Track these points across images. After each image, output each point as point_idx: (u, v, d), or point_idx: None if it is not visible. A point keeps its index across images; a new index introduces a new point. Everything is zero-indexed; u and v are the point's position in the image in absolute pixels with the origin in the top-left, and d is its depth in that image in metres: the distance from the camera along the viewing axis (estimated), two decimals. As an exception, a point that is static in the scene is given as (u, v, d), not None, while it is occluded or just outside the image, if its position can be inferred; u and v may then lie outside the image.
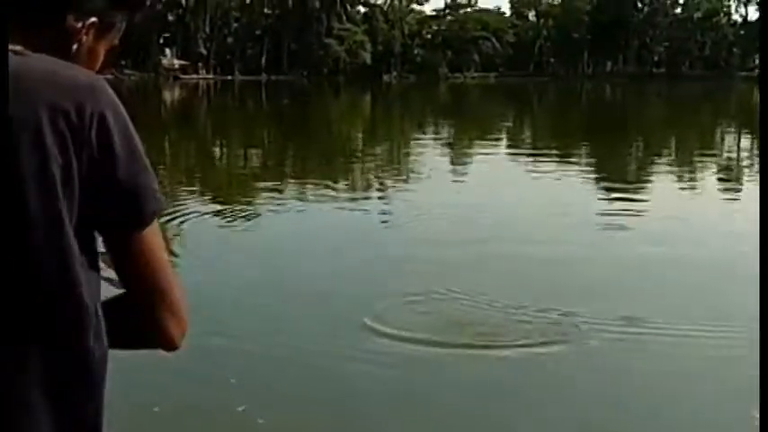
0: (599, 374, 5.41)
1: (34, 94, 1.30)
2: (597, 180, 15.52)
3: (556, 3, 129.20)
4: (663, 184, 14.68)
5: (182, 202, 12.03)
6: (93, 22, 1.50)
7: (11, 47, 1.33)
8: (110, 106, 1.36)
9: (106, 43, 1.58)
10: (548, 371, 5.40)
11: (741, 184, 15.14)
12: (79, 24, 1.48)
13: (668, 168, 17.76)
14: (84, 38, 1.50)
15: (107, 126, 1.34)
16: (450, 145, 23.53)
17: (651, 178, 16.03)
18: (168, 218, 10.91)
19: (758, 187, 10.03)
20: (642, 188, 14.60)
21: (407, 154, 21.24)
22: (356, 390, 5.05)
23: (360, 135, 29.13)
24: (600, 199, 12.67)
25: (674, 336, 5.85)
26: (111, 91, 1.38)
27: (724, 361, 5.41)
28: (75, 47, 1.49)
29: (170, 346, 1.42)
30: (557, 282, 7.33)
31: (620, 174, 16.58)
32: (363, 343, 5.71)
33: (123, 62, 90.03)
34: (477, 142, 23.55)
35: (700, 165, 18.56)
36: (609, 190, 13.80)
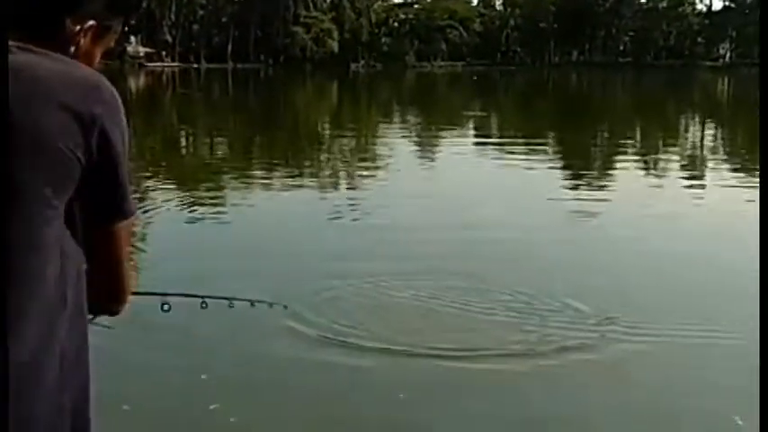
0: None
1: (52, 94, 1.44)
2: (562, 168, 15.59)
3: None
4: (627, 173, 14.76)
5: (143, 193, 11.92)
6: (90, 26, 1.57)
7: (28, 46, 1.47)
8: (113, 110, 1.53)
9: (102, 46, 1.65)
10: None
11: (704, 173, 15.26)
12: (77, 28, 1.56)
13: (632, 157, 17.84)
14: (82, 41, 1.57)
15: (109, 129, 1.51)
16: (415, 134, 23.48)
17: (616, 167, 16.09)
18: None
19: (759, 191, 10.08)
20: (607, 177, 14.66)
21: (372, 143, 21.20)
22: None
23: (325, 124, 29.00)
24: (564, 187, 12.72)
25: (656, 335, 5.66)
26: (114, 90, 1.56)
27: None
28: (72, 49, 1.56)
29: (113, 314, 1.72)
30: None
31: (585, 162, 16.65)
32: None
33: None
34: (443, 131, 23.52)
35: (663, 153, 18.69)
36: (574, 177, 13.87)
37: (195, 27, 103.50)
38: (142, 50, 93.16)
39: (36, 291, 1.47)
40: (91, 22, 1.56)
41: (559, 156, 18.21)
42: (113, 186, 1.55)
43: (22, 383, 1.45)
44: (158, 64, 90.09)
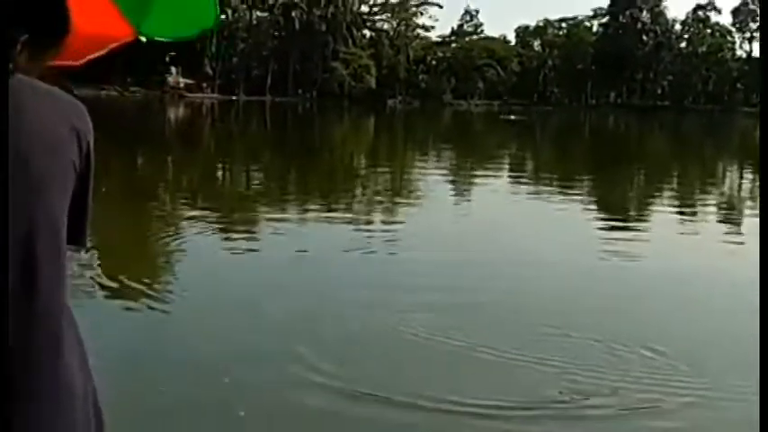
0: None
1: (65, 110, 1.59)
2: (598, 210, 15.50)
3: (561, 33, 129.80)
4: (665, 217, 14.64)
5: (181, 223, 12.02)
6: (26, 42, 1.56)
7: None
8: (92, 132, 1.66)
9: (40, 64, 1.65)
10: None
11: (741, 220, 15.10)
12: (15, 44, 1.55)
13: (669, 201, 17.70)
14: (19, 58, 1.56)
15: (91, 151, 1.64)
16: (452, 172, 23.48)
17: (653, 210, 15.97)
18: (165, 238, 10.89)
19: (759, 195, 9.97)
20: (643, 221, 14.55)
21: (408, 179, 21.22)
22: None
23: (362, 158, 29.10)
24: (599, 228, 12.63)
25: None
26: None
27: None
28: (10, 66, 1.55)
29: None
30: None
31: (620, 205, 16.55)
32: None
33: (129, 79, 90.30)
34: (479, 169, 23.50)
35: (700, 198, 18.53)
36: (609, 221, 13.78)
37: (235, 60, 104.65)
38: (182, 81, 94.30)
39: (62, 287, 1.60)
40: (24, 37, 1.55)
41: (594, 196, 18.11)
42: (84, 212, 1.68)
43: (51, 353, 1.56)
44: (198, 95, 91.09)
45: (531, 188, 19.15)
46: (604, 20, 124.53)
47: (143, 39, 2.46)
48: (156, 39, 2.48)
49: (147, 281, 7.93)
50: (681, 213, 15.50)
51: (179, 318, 6.89)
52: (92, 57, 2.52)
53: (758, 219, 14.11)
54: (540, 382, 5.34)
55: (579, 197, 17.41)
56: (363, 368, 5.61)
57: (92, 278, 7.86)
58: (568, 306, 7.34)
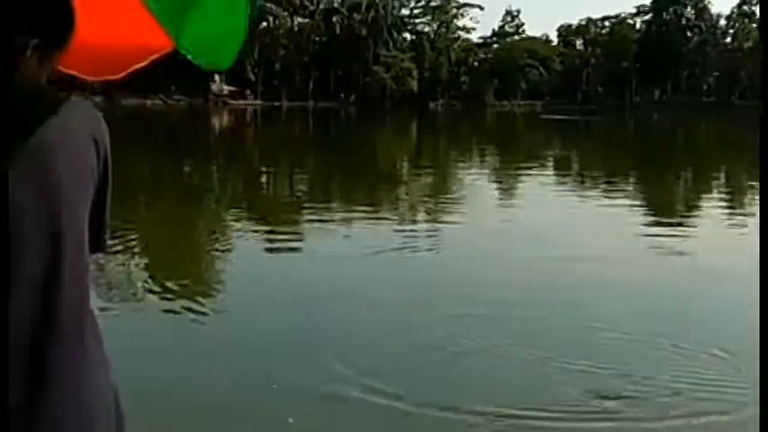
0: None
1: (83, 124, 1.58)
2: (647, 207, 15.31)
3: (604, 32, 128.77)
4: (714, 214, 14.41)
5: (228, 228, 12.09)
6: (36, 46, 1.54)
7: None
8: (108, 139, 1.66)
9: (47, 69, 1.61)
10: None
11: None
12: (24, 49, 1.52)
13: (717, 198, 17.43)
14: (29, 63, 1.54)
15: (109, 158, 1.65)
16: (497, 172, 23.36)
17: (702, 208, 15.74)
18: (213, 244, 10.96)
19: (759, 197, 9.82)
20: (694, 217, 14.34)
21: (452, 181, 21.15)
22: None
23: (406, 162, 29.08)
24: (647, 224, 12.46)
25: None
26: None
27: None
28: (18, 72, 1.53)
29: None
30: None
31: (669, 202, 16.34)
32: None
33: (173, 87, 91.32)
34: (525, 169, 23.36)
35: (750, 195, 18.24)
36: (659, 216, 13.60)
37: (277, 66, 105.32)
38: (226, 89, 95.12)
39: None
40: (35, 41, 1.54)
41: (642, 195, 17.89)
42: (103, 219, 1.69)
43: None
44: (241, 102, 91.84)
45: (588, 188, 18.97)
46: (648, 17, 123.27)
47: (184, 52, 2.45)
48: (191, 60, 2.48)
49: (214, 287, 7.98)
50: (731, 211, 15.26)
51: (234, 319, 6.91)
52: (133, 69, 2.53)
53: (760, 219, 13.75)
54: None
55: (628, 196, 17.21)
56: (422, 376, 5.57)
57: (152, 282, 7.93)
58: (630, 309, 7.22)
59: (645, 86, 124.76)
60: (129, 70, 2.53)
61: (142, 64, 2.50)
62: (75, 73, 2.43)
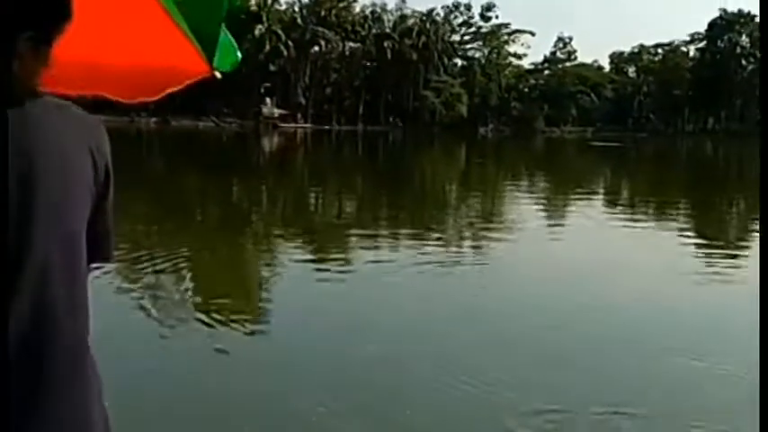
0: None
1: (80, 132, 1.54)
2: (697, 241, 15.09)
3: (657, 59, 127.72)
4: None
5: (275, 250, 12.19)
6: (32, 39, 1.46)
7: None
8: (109, 148, 1.60)
9: (43, 63, 1.53)
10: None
11: None
12: (23, 43, 1.45)
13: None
14: (26, 58, 1.47)
15: (110, 167, 1.59)
16: (544, 201, 23.23)
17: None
18: (261, 267, 11.06)
19: (759, 203, 9.61)
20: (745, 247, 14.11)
21: (499, 209, 21.08)
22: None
23: (453, 188, 29.05)
24: (698, 261, 12.29)
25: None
26: None
27: None
28: (16, 68, 1.46)
29: None
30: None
31: (722, 235, 16.09)
32: None
33: (225, 110, 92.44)
34: (574, 198, 23.20)
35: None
36: (710, 251, 13.40)
37: (328, 90, 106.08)
38: (276, 112, 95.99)
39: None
40: (30, 33, 1.45)
41: (693, 228, 17.64)
42: (108, 230, 1.64)
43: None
44: (292, 125, 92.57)
45: (641, 218, 18.79)
46: (701, 44, 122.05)
47: (218, 75, 2.48)
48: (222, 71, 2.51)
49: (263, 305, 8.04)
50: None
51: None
52: (168, 91, 2.57)
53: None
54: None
55: (683, 225, 17.01)
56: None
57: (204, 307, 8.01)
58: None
59: (697, 114, 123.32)
60: (164, 93, 2.58)
61: (179, 87, 2.54)
62: (110, 96, 2.49)
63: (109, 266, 8.84)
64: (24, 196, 1.41)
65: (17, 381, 1.42)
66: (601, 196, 25.40)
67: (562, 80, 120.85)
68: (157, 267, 9.72)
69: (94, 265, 1.64)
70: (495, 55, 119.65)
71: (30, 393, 1.44)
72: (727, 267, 11.37)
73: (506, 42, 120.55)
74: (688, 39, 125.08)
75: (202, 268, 10.76)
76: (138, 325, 7.15)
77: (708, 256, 12.61)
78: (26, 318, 1.42)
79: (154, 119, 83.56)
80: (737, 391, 5.58)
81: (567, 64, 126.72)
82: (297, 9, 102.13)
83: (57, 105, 1.53)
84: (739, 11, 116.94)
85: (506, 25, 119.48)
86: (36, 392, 1.45)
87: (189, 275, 9.96)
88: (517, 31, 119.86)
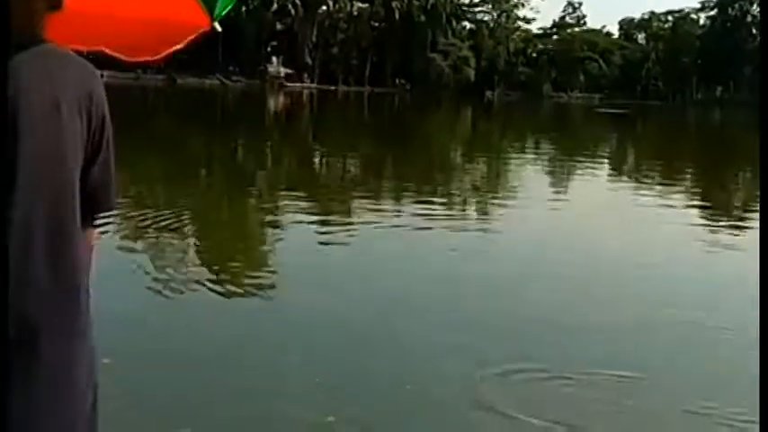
0: None
1: (78, 79, 1.50)
2: (702, 209, 15.03)
3: (667, 26, 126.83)
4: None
5: (280, 209, 12.15)
6: None
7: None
8: (104, 94, 1.57)
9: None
10: None
11: None
12: None
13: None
14: None
15: (106, 114, 1.56)
16: (550, 166, 23.14)
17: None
18: (265, 226, 11.04)
19: (759, 200, 9.57)
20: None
21: (505, 173, 21.00)
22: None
23: (459, 151, 28.96)
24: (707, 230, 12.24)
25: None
26: None
27: None
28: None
29: None
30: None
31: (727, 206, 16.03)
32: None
33: (231, 68, 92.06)
34: (581, 164, 23.11)
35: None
36: (718, 219, 13.35)
37: (335, 50, 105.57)
38: (283, 71, 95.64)
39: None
40: None
41: (699, 197, 17.57)
42: (109, 178, 1.61)
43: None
44: (297, 85, 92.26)
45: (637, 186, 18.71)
46: (712, 13, 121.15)
47: (217, 26, 2.42)
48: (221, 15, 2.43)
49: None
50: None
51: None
52: (169, 51, 2.51)
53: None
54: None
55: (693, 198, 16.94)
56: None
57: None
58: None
59: (707, 83, 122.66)
60: (165, 53, 2.52)
61: (178, 45, 2.48)
62: (109, 51, 2.43)
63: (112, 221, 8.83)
64: (9, 144, 1.36)
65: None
66: (610, 165, 25.27)
67: (571, 46, 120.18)
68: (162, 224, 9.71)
69: (99, 215, 1.63)
70: (503, 18, 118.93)
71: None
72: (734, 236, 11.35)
73: (515, 6, 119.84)
74: (699, 6, 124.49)
75: (207, 225, 10.76)
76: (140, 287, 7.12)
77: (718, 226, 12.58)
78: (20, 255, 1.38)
79: (160, 76, 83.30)
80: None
81: (576, 29, 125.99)
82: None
83: (55, 52, 1.49)
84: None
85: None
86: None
87: (192, 231, 9.97)
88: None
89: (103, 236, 7.73)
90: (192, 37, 2.46)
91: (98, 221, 1.71)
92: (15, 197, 1.36)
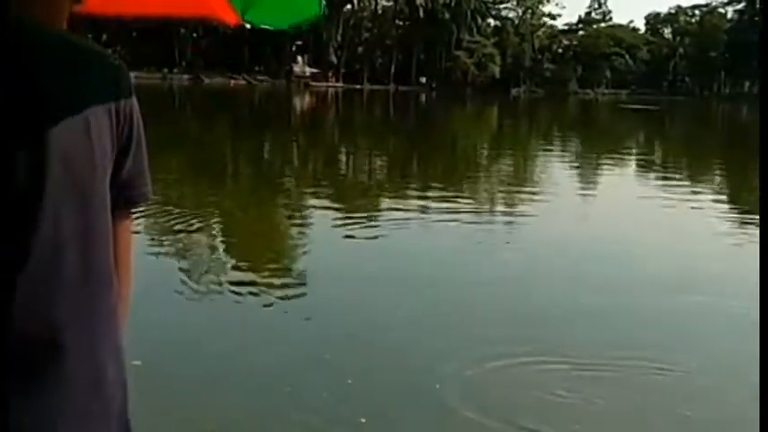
0: None
1: (104, 74, 1.45)
2: (729, 209, 14.92)
3: (694, 21, 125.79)
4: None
5: (305, 208, 12.22)
6: None
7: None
8: (133, 90, 1.52)
9: None
10: None
11: None
12: None
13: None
14: None
15: (135, 109, 1.51)
16: (577, 164, 23.04)
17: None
18: (288, 222, 11.10)
19: (759, 199, 9.46)
20: None
21: (531, 170, 20.94)
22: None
23: (484, 148, 28.89)
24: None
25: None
26: None
27: None
28: None
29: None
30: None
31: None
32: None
33: (257, 68, 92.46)
34: (608, 162, 23.00)
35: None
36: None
37: (360, 49, 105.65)
38: (308, 70, 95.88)
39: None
40: None
41: (725, 196, 17.44)
42: (143, 170, 1.58)
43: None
44: (323, 84, 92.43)
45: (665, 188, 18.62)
46: (740, 6, 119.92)
47: (248, 26, 2.39)
48: (263, 27, 2.41)
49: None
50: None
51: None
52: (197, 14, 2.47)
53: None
54: None
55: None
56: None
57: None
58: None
59: (735, 78, 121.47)
60: (193, 14, 2.50)
61: (205, 15, 2.42)
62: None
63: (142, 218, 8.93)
64: (35, 146, 1.33)
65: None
66: (636, 162, 25.13)
67: (596, 41, 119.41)
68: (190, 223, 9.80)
69: (135, 205, 1.59)
70: (528, 15, 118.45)
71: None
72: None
73: (540, 2, 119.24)
74: (726, 0, 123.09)
75: (234, 223, 10.84)
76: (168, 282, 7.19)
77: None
78: (38, 286, 1.35)
79: (186, 76, 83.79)
80: None
81: (602, 25, 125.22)
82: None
83: (82, 46, 1.44)
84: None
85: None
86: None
87: (220, 228, 10.04)
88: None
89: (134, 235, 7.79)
90: (218, 18, 2.40)
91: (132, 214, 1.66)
92: (44, 200, 1.34)
